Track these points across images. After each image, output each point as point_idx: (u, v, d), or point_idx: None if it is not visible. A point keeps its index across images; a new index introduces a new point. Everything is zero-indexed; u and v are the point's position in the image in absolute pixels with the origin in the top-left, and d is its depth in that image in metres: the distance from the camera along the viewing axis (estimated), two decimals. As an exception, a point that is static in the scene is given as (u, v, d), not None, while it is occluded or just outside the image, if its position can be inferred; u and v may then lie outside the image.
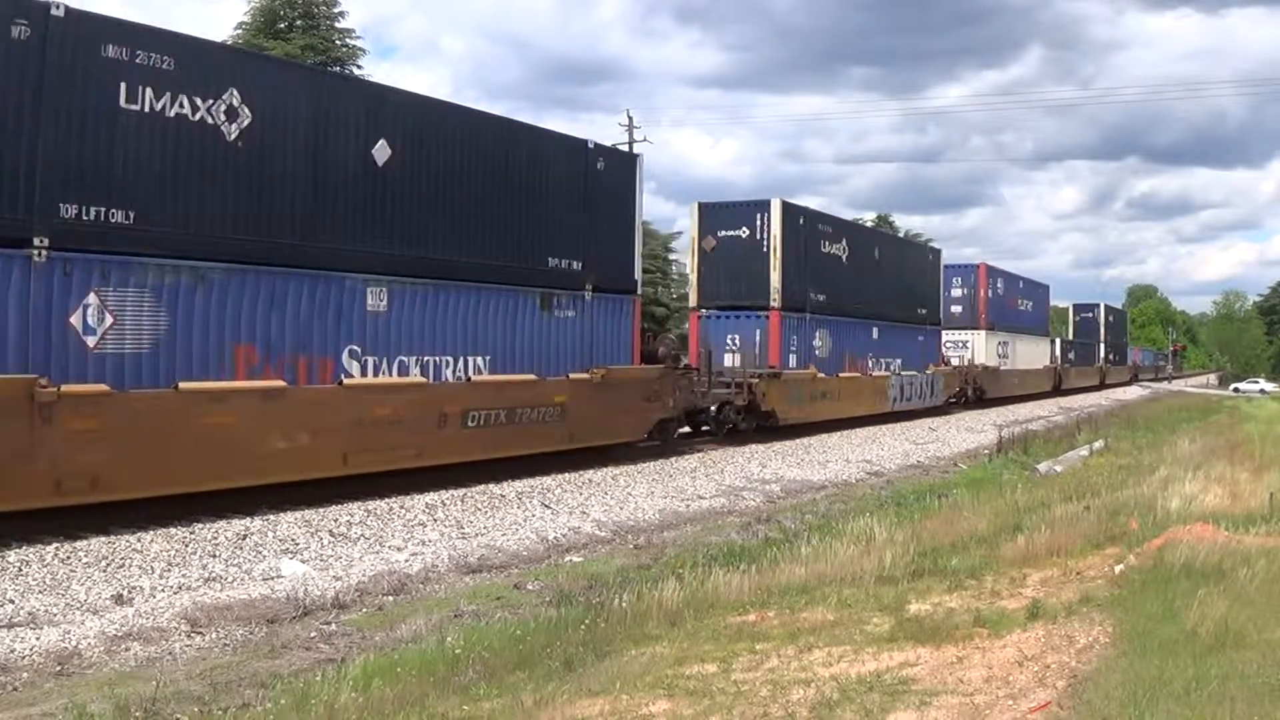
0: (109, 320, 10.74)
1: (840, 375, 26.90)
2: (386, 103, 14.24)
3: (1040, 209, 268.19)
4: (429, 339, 14.45)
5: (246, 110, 11.93)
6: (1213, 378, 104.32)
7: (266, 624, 8.38)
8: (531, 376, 16.05)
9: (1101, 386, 62.36)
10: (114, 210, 10.71)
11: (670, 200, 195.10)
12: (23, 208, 10.02)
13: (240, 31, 35.79)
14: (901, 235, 55.70)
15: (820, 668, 5.99)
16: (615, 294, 18.23)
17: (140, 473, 10.75)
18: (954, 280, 40.75)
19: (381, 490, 13.75)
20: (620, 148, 19.35)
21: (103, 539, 10.45)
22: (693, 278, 25.39)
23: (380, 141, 13.66)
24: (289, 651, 7.73)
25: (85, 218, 10.48)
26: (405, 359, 14.09)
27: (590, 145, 18.13)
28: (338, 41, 36.79)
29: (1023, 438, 24.24)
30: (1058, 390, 51.43)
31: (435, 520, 12.64)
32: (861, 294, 28.15)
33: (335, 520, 12.12)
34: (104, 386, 10.57)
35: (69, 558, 9.77)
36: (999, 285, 43.49)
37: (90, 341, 10.58)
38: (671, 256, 51.65)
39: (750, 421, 22.84)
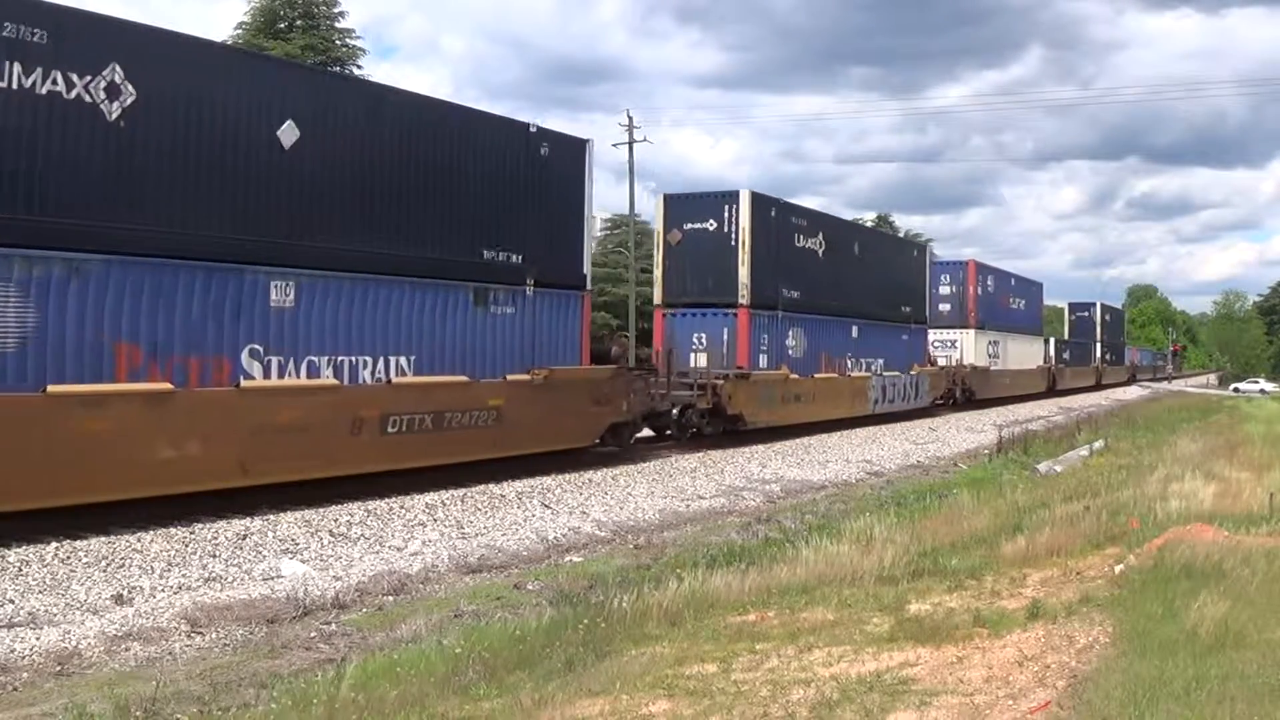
0: (-34, 318, 9.74)
1: (816, 376, 25.62)
2: (294, 81, 13.19)
3: (1040, 209, 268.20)
4: (344, 337, 13.26)
5: (130, 88, 10.80)
6: (1212, 378, 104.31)
7: (266, 624, 8.38)
8: (463, 378, 14.89)
9: (1098, 387, 61.73)
10: None
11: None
12: None
13: (240, 31, 35.81)
14: (901, 235, 54.95)
15: (820, 668, 5.99)
16: (561, 289, 17.01)
17: (2, 485, 9.75)
18: (942, 278, 39.63)
19: (381, 490, 13.75)
20: (571, 136, 17.78)
21: (103, 539, 10.46)
22: (657, 273, 23.97)
23: (288, 123, 12.50)
24: (289, 651, 7.73)
25: None
26: (315, 359, 12.90)
27: (533, 129, 16.80)
28: (338, 41, 36.80)
29: (1022, 438, 24.23)
30: (1052, 391, 50.58)
31: (435, 520, 12.64)
32: (840, 291, 26.84)
33: (335, 520, 12.12)
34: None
35: (69, 558, 9.77)
36: (989, 283, 42.38)
37: (-55, 341, 9.63)
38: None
39: (715, 425, 21.76)
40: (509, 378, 15.68)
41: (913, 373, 31.95)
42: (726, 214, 22.91)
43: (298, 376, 12.69)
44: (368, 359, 13.61)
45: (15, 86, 9.95)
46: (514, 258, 15.95)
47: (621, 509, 14.20)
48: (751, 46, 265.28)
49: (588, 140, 17.87)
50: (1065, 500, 12.60)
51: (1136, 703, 4.82)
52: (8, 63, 9.88)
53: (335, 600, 9.05)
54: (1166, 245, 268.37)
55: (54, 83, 10.27)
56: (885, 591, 8.01)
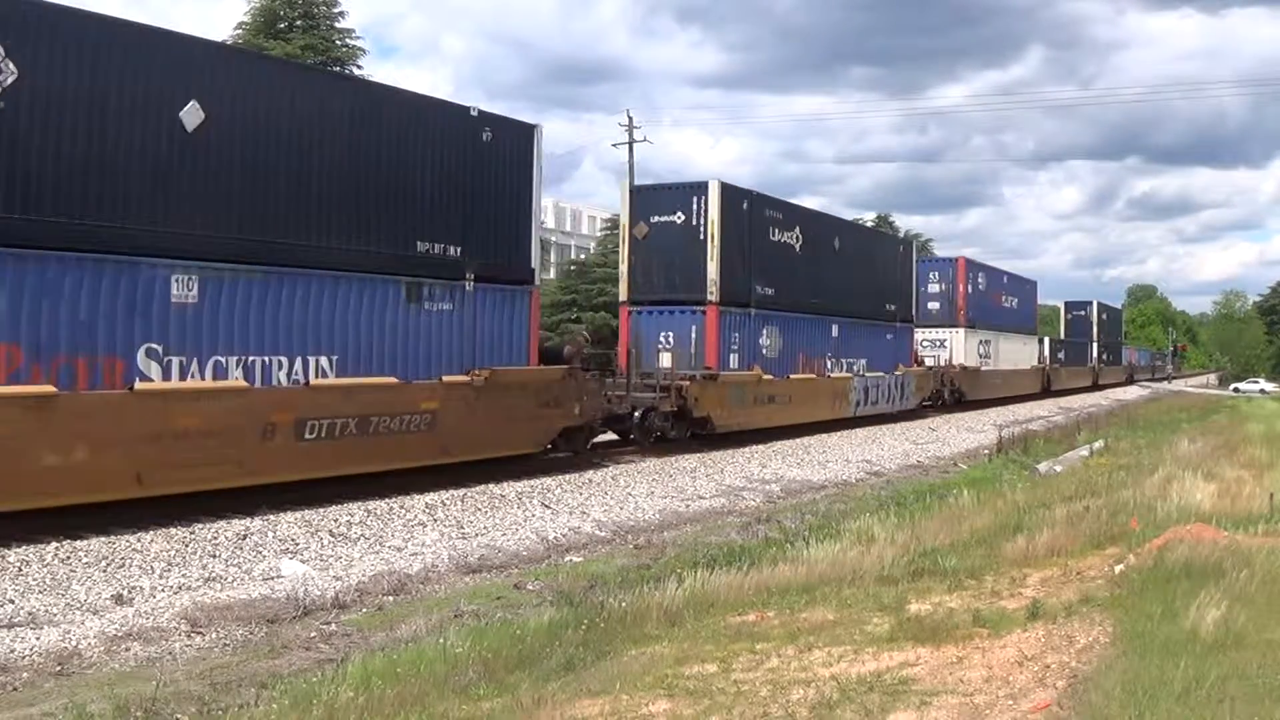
0: None
1: (792, 377, 24.40)
2: (201, 58, 11.95)
3: (1041, 209, 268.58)
4: (255, 336, 12.26)
5: (11, 65, 10.06)
6: (1212, 378, 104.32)
7: (266, 624, 8.38)
8: (392, 380, 13.87)
9: (1094, 387, 61.00)
10: None
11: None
12: None
13: (240, 31, 35.77)
14: (901, 235, 54.47)
15: (820, 668, 5.99)
16: (506, 284, 15.92)
17: None
18: (930, 275, 38.42)
19: (381, 490, 13.76)
20: (518, 121, 16.67)
21: (103, 539, 10.46)
22: (623, 268, 22.68)
23: (191, 104, 11.49)
24: (289, 651, 7.73)
25: None
26: (223, 359, 11.90)
27: (474, 112, 15.61)
28: (338, 42, 36.73)
29: (1022, 438, 24.24)
30: (1046, 392, 49.74)
31: (435, 520, 12.64)
32: (818, 287, 25.60)
33: (335, 520, 12.12)
34: None
35: (69, 558, 9.77)
36: (980, 280, 40.96)
37: None
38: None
39: (681, 429, 20.69)
40: (445, 379, 14.64)
41: (898, 373, 30.80)
42: (695, 206, 21.71)
43: (202, 378, 11.69)
44: (283, 359, 12.58)
45: None
46: (452, 250, 14.89)
47: (621, 509, 14.20)
48: (752, 46, 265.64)
49: (536, 126, 16.75)
50: (1065, 500, 12.60)
51: (1136, 703, 4.82)
52: None
53: (335, 600, 9.06)
54: (1167, 245, 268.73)
55: None
56: (885, 591, 8.01)
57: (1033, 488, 15.13)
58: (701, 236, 21.58)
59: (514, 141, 16.23)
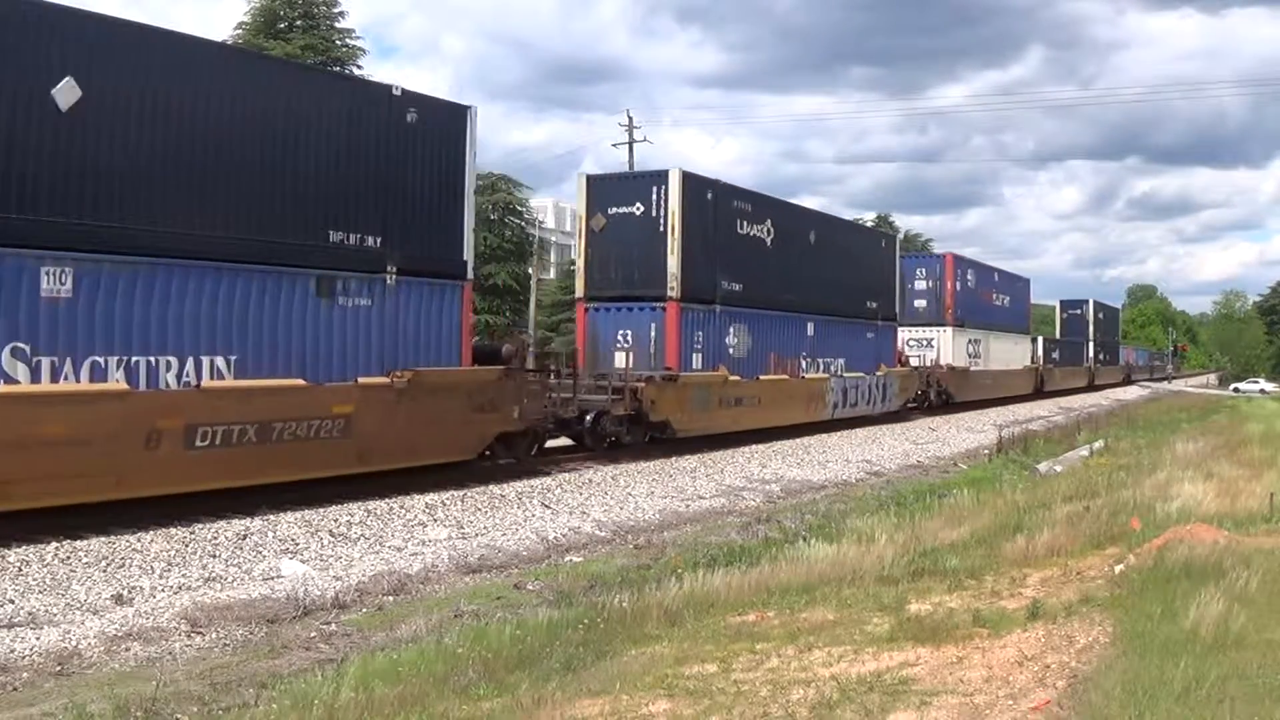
0: None
1: (762, 378, 23.00)
2: (75, 30, 10.70)
3: (1041, 209, 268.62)
4: (140, 334, 11.09)
5: None
6: (1212, 378, 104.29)
7: (266, 624, 8.39)
8: (299, 382, 12.64)
9: (1090, 388, 59.80)
10: None
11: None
12: None
13: (240, 31, 35.78)
14: (901, 235, 53.90)
15: (820, 668, 5.99)
16: (434, 278, 14.68)
17: None
18: (917, 272, 37.15)
19: (382, 490, 13.76)
20: (448, 101, 15.46)
21: (103, 539, 10.46)
22: (580, 263, 21.44)
23: (66, 80, 10.44)
24: (289, 651, 7.74)
25: None
26: (102, 360, 10.79)
27: (396, 91, 14.43)
28: (338, 42, 36.75)
29: (1022, 438, 24.24)
30: (1040, 393, 48.55)
31: (435, 520, 12.64)
32: (792, 283, 24.16)
33: (335, 520, 12.12)
34: None
35: (69, 558, 9.78)
36: (969, 277, 39.40)
37: None
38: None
39: (637, 434, 19.42)
40: (361, 381, 13.43)
41: (879, 374, 29.44)
42: (655, 196, 20.29)
43: (77, 380, 10.59)
44: (172, 359, 11.40)
45: None
46: (370, 240, 13.69)
47: (621, 509, 14.20)
48: (752, 46, 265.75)
49: (469, 107, 15.51)
50: (1065, 500, 12.60)
51: (1136, 702, 4.82)
52: None
53: (335, 600, 9.06)
54: (1167, 245, 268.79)
55: None
56: (885, 591, 8.01)
57: (1033, 488, 15.13)
58: (662, 228, 20.25)
59: (444, 124, 14.93)
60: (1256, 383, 78.61)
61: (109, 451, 10.68)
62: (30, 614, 8.16)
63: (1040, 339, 53.00)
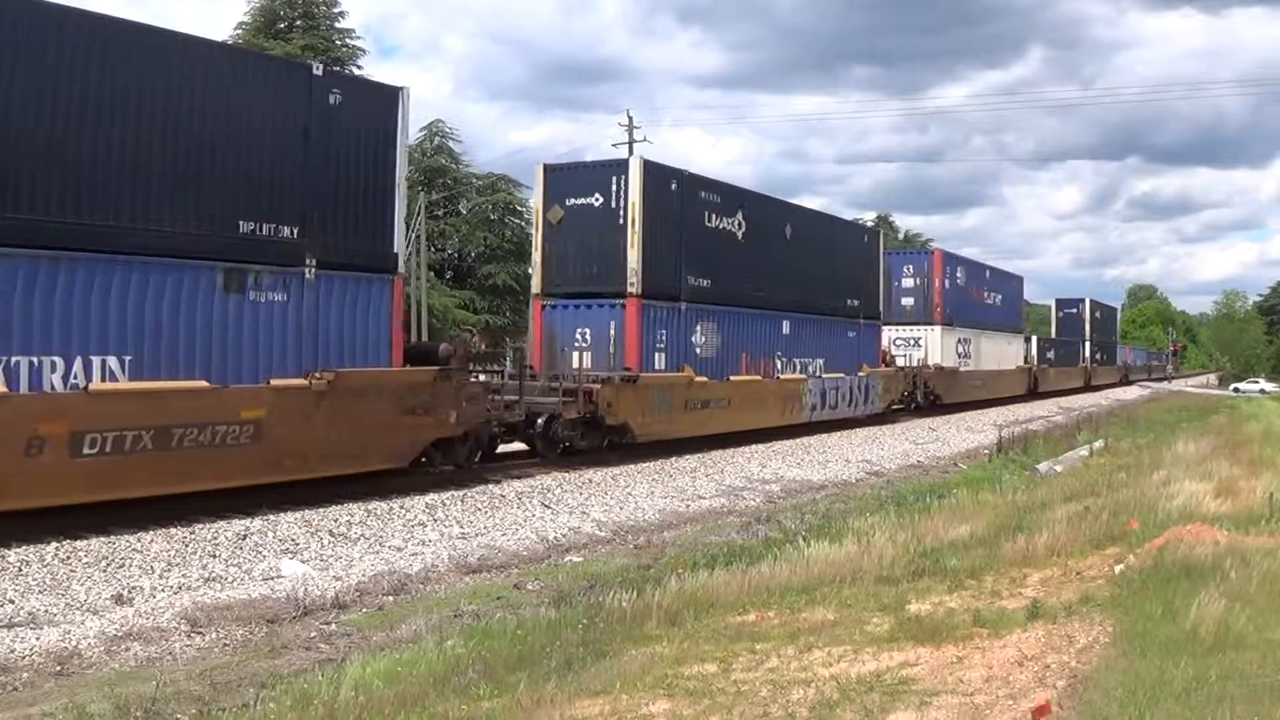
0: None
1: (732, 379, 21.83)
2: None
3: (1041, 209, 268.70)
4: (21, 333, 10.26)
5: None
6: (1212, 378, 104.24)
7: (266, 624, 8.39)
8: (203, 384, 11.61)
9: (1086, 388, 58.46)
10: None
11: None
12: None
13: (240, 31, 35.79)
14: (901, 235, 53.18)
15: (820, 668, 5.99)
16: (360, 272, 13.64)
17: None
18: (904, 269, 36.07)
19: (382, 490, 13.76)
20: (376, 82, 15.00)
21: (103, 539, 10.46)
22: (536, 257, 20.24)
23: None
24: (289, 651, 7.74)
25: None
26: None
27: (317, 70, 13.51)
28: (338, 41, 36.78)
29: (1022, 438, 24.24)
30: (1034, 394, 47.23)
31: (435, 520, 12.65)
32: (766, 280, 23.00)
33: (335, 520, 12.12)
34: None
35: (69, 558, 9.78)
36: (958, 275, 37.97)
37: None
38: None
39: (593, 439, 18.21)
40: (274, 383, 12.40)
41: (861, 374, 28.21)
42: (614, 187, 19.18)
43: None
44: (57, 360, 10.51)
45: None
46: (286, 231, 12.64)
47: (621, 509, 14.21)
48: (753, 46, 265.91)
49: (401, 88, 14.47)
50: (1065, 500, 12.61)
51: (1136, 702, 4.82)
52: None
53: (335, 600, 9.07)
54: (1167, 245, 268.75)
55: None
56: (885, 591, 8.02)
57: (1033, 488, 15.13)
58: (622, 220, 19.08)
59: (371, 106, 13.95)
60: (1256, 383, 78.58)
61: None
62: (30, 614, 8.16)
63: (1034, 338, 51.94)
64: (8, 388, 10.07)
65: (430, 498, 13.82)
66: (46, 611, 8.26)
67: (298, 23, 36.25)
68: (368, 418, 13.42)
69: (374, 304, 13.85)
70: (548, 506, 14.00)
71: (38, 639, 7.56)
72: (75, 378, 10.68)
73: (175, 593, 9.02)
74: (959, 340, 37.66)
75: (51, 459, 10.27)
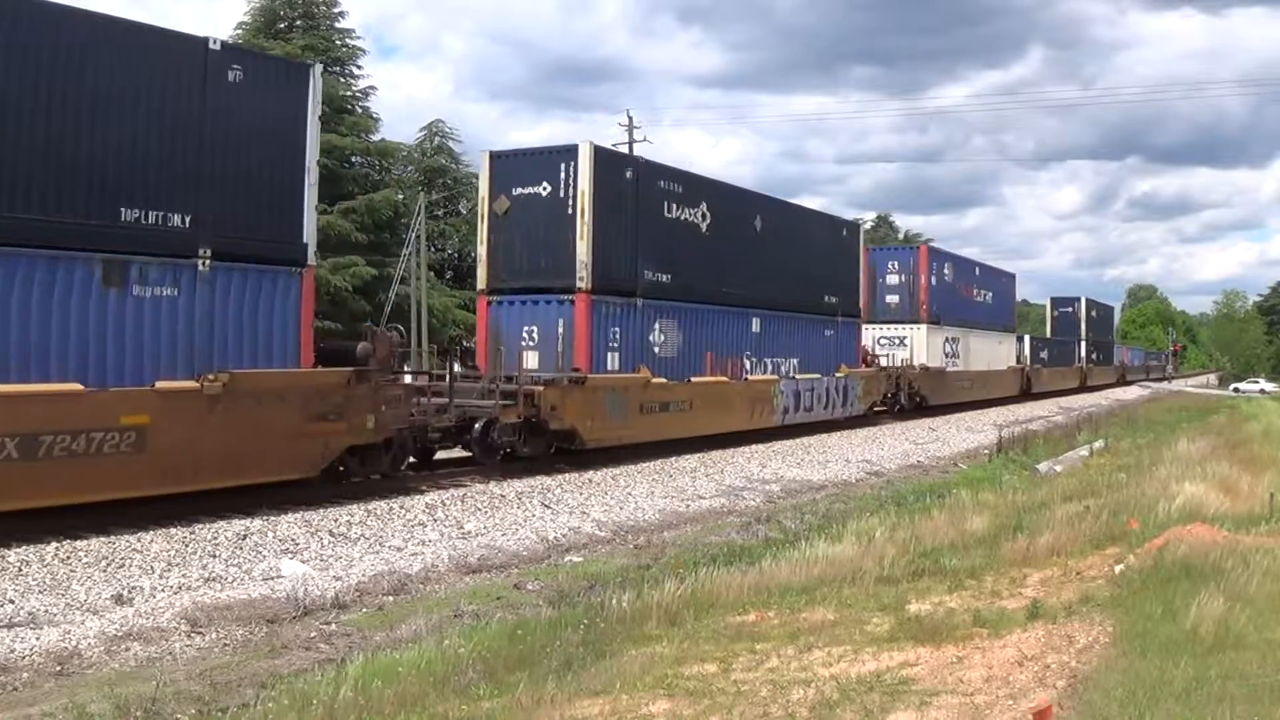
0: None
1: (695, 380, 20.38)
2: None
3: (1041, 209, 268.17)
4: None
5: None
6: (1212, 378, 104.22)
7: (266, 624, 8.39)
8: (75, 387, 10.51)
9: (1082, 389, 57.03)
10: None
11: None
12: None
13: (240, 31, 35.79)
14: (901, 235, 51.74)
15: (820, 668, 5.99)
16: (264, 264, 12.56)
17: None
18: (889, 265, 34.69)
19: (382, 490, 13.76)
20: (281, 59, 13.98)
21: (103, 539, 10.46)
22: (481, 251, 18.99)
23: None
24: (289, 651, 7.74)
25: None
26: None
27: (215, 45, 12.16)
28: (338, 41, 36.75)
29: (1022, 438, 24.26)
30: (1026, 395, 45.69)
31: (435, 520, 12.65)
32: (733, 275, 21.69)
33: (335, 520, 12.12)
34: None
35: (69, 558, 9.78)
36: (946, 272, 36.39)
37: None
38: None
39: (536, 445, 16.99)
40: (160, 386, 11.25)
41: (839, 375, 26.89)
42: (563, 175, 17.95)
43: None
44: None
45: None
46: (176, 219, 11.52)
47: (621, 509, 14.21)
48: (753, 46, 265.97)
49: (310, 65, 13.51)
50: (1065, 500, 12.62)
51: (1136, 702, 4.82)
52: None
53: (335, 600, 9.06)
54: (1167, 245, 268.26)
55: None
56: (885, 591, 8.02)
57: (1033, 488, 15.14)
58: (571, 210, 17.84)
59: (276, 84, 12.89)
60: (1256, 383, 78.55)
61: None
62: (30, 614, 8.16)
63: (1027, 338, 50.28)
64: None
65: (430, 498, 13.83)
66: (46, 611, 8.26)
67: (298, 23, 36.21)
68: (270, 423, 12.27)
69: (279, 299, 12.76)
70: (548, 506, 14.01)
71: (38, 639, 7.56)
72: None
73: (175, 593, 9.02)
74: (946, 339, 36.24)
75: None
